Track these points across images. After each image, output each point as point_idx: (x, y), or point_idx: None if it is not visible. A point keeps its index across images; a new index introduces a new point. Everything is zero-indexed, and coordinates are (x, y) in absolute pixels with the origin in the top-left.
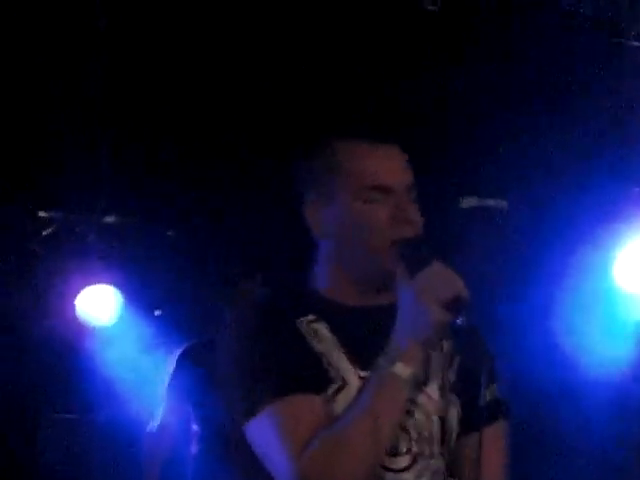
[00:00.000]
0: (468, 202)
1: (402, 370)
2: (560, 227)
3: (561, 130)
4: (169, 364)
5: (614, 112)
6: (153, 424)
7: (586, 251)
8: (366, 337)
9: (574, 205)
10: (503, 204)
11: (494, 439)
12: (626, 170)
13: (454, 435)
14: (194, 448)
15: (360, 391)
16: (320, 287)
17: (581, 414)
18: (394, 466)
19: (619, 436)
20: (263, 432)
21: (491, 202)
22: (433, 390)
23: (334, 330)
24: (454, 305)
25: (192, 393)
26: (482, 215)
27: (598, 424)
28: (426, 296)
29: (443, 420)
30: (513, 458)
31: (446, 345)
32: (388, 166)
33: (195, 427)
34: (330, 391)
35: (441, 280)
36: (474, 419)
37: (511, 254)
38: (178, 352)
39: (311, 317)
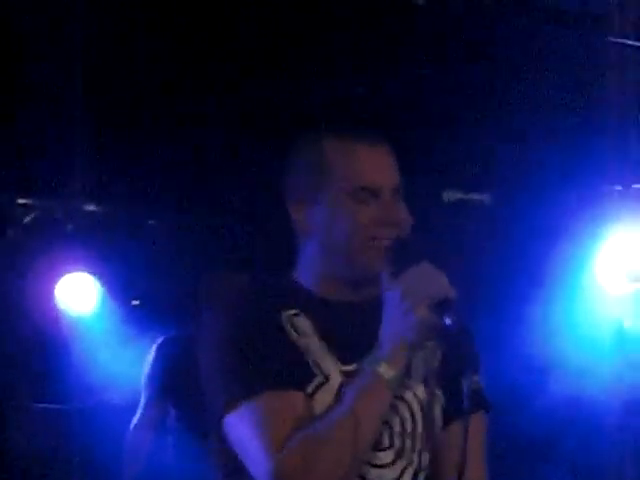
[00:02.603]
0: (451, 196)
1: (386, 371)
2: (542, 223)
3: (544, 125)
4: (147, 356)
5: (599, 109)
6: (135, 419)
7: (568, 248)
8: (348, 332)
9: (557, 202)
10: (486, 198)
11: (473, 429)
12: (609, 168)
13: (437, 429)
14: (171, 441)
15: (342, 388)
16: (303, 282)
17: (557, 418)
18: (377, 462)
19: (592, 444)
20: (242, 427)
21: (474, 196)
22: (417, 385)
23: (316, 325)
24: (441, 306)
25: (169, 387)
26: (465, 209)
27: (573, 429)
28: (412, 297)
29: (427, 415)
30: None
31: (431, 343)
32: (377, 167)
33: (172, 421)
34: (311, 386)
35: (427, 280)
36: (455, 410)
37: (492, 248)
38: (155, 344)
39: (293, 311)
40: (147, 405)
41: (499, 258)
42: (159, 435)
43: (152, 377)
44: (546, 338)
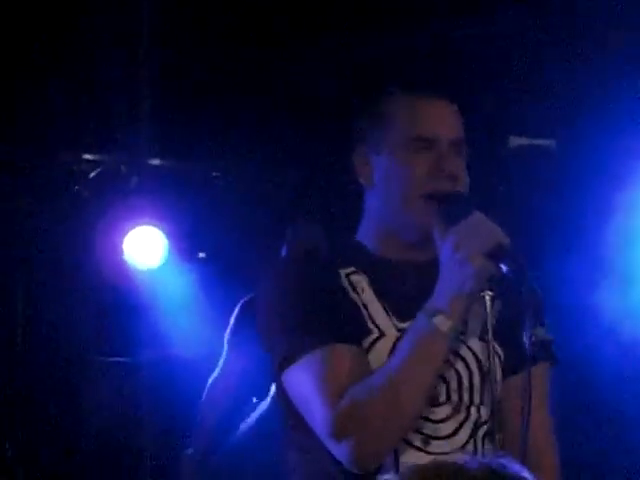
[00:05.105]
0: (516, 141)
1: (442, 323)
2: (609, 167)
3: (614, 72)
4: (233, 313)
5: None
6: (215, 372)
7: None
8: (405, 290)
9: (623, 145)
10: (551, 143)
11: (536, 382)
12: None
13: (497, 383)
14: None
15: (399, 342)
16: (364, 240)
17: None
18: (433, 417)
19: None
20: (300, 380)
21: (540, 141)
22: (473, 339)
23: (372, 282)
24: (496, 254)
25: (252, 346)
26: (530, 154)
27: None
28: (465, 248)
29: (484, 369)
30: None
31: (488, 293)
32: (434, 118)
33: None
34: (367, 341)
35: (479, 230)
36: (516, 363)
37: (558, 193)
38: (241, 302)
39: (351, 269)
40: (230, 360)
41: (564, 204)
42: (238, 390)
43: (234, 333)
44: (615, 288)
